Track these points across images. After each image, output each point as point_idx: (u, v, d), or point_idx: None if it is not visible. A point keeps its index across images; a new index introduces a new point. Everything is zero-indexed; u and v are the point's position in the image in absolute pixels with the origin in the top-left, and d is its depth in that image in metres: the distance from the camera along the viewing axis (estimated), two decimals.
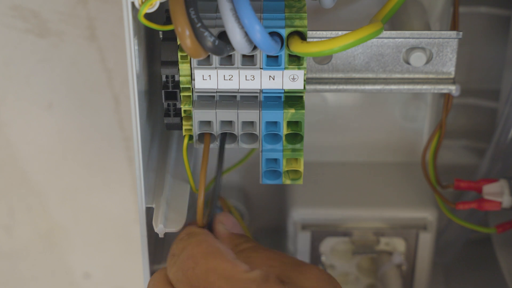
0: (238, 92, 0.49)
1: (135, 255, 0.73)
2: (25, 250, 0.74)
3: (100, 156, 0.69)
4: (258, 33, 0.44)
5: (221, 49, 0.44)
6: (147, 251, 0.52)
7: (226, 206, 0.59)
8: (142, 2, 0.45)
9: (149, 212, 0.52)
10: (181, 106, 0.50)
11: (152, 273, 0.54)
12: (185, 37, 0.43)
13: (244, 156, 0.62)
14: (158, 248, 0.57)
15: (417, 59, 0.53)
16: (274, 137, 0.50)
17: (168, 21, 0.49)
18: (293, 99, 0.50)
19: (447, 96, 0.56)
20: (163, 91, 0.50)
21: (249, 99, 0.49)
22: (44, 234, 0.73)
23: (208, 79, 0.49)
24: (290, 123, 0.50)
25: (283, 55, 0.48)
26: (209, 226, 0.51)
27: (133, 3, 0.45)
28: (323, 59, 0.53)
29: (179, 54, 0.49)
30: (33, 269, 0.75)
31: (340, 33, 0.50)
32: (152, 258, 0.55)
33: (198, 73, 0.49)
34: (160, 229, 0.51)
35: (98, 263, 0.75)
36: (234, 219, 0.53)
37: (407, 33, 0.52)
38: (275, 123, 0.50)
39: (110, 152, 0.69)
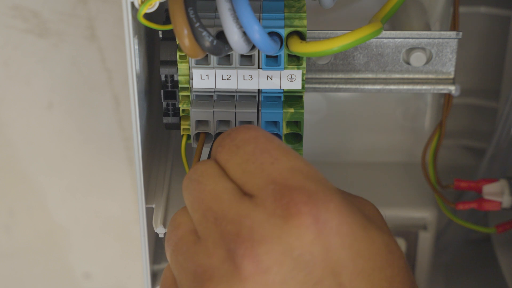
0: (236, 92, 0.49)
1: (135, 255, 0.73)
2: (25, 250, 0.74)
3: (100, 156, 0.69)
4: (257, 33, 0.44)
5: (219, 49, 0.44)
6: (147, 251, 0.52)
7: None
8: (142, 2, 0.45)
9: (149, 212, 0.52)
10: (180, 106, 0.50)
11: (152, 273, 0.54)
12: (183, 36, 0.43)
13: None
14: (158, 248, 0.57)
15: (417, 59, 0.53)
16: None
17: (167, 20, 0.49)
18: (292, 99, 0.50)
19: (447, 96, 0.56)
20: (162, 90, 0.50)
21: (247, 99, 0.49)
22: (44, 234, 0.73)
23: (206, 78, 0.49)
24: (289, 123, 0.50)
25: (283, 55, 0.48)
26: None
27: (132, 3, 0.45)
28: (323, 59, 0.53)
29: (178, 53, 0.49)
30: (33, 269, 0.75)
31: (340, 33, 0.50)
32: (152, 258, 0.55)
33: (196, 73, 0.49)
34: (160, 229, 0.51)
35: (98, 263, 0.75)
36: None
37: (407, 33, 0.52)
38: (274, 123, 0.50)
39: (110, 152, 0.69)
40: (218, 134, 0.50)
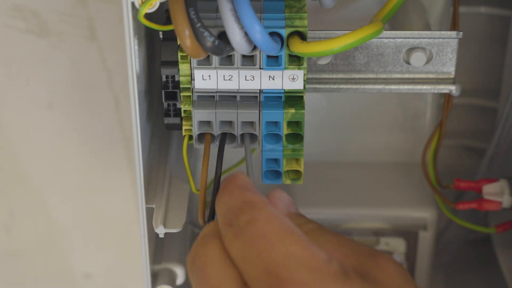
0: (238, 92, 0.49)
1: (135, 255, 0.73)
2: (25, 250, 0.74)
3: (100, 156, 0.69)
4: (258, 33, 0.44)
5: (220, 49, 0.44)
6: (147, 251, 0.52)
7: None
8: (142, 2, 0.45)
9: (149, 212, 0.52)
10: (181, 106, 0.50)
11: (152, 273, 0.54)
12: (185, 37, 0.43)
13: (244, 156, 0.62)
14: (158, 248, 0.57)
15: (417, 59, 0.53)
16: (274, 137, 0.50)
17: (168, 21, 0.49)
18: (293, 99, 0.50)
19: (447, 96, 0.56)
20: (163, 91, 0.50)
21: (249, 99, 0.49)
22: (44, 234, 0.73)
23: (208, 79, 0.49)
24: (290, 123, 0.50)
25: (283, 55, 0.48)
26: None
27: (133, 3, 0.45)
28: (323, 59, 0.53)
29: (179, 54, 0.49)
30: (33, 269, 0.75)
31: (340, 33, 0.50)
32: (152, 258, 0.55)
33: (198, 73, 0.49)
34: (160, 229, 0.51)
35: (98, 263, 0.75)
36: (290, 198, 0.47)
37: (407, 33, 0.52)
38: (275, 123, 0.50)
39: (110, 152, 0.69)
40: (221, 135, 0.50)
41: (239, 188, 0.45)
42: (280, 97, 0.50)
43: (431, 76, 0.54)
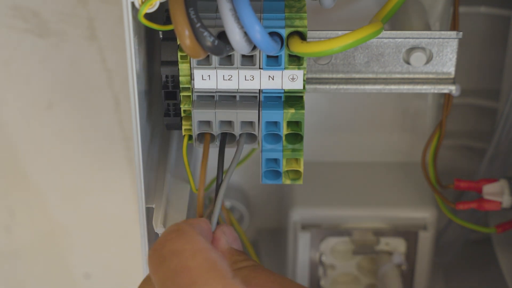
0: (237, 92, 0.49)
1: (135, 255, 0.73)
2: (25, 250, 0.74)
3: (100, 156, 0.69)
4: (258, 33, 0.44)
5: (220, 49, 0.44)
6: (147, 251, 0.52)
7: (224, 210, 0.59)
8: (142, 2, 0.45)
9: (149, 212, 0.52)
10: (181, 106, 0.50)
11: None
12: (185, 37, 0.43)
13: (244, 156, 0.62)
14: None
15: (417, 59, 0.53)
16: (274, 137, 0.50)
17: (168, 21, 0.49)
18: (293, 99, 0.50)
19: (447, 96, 0.56)
20: (163, 91, 0.50)
21: (249, 99, 0.49)
22: (44, 234, 0.73)
23: (208, 79, 0.49)
24: (290, 123, 0.50)
25: (283, 55, 0.48)
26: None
27: (133, 3, 0.45)
28: (323, 59, 0.53)
29: (179, 54, 0.49)
30: (33, 269, 0.75)
31: (340, 33, 0.50)
32: None
33: (198, 73, 0.49)
34: (160, 229, 0.51)
35: (98, 263, 0.75)
36: (236, 234, 0.48)
37: (407, 33, 0.52)
38: (275, 123, 0.50)
39: (110, 152, 0.69)
40: (221, 135, 0.50)
41: (187, 220, 0.45)
42: (280, 97, 0.50)
43: (431, 76, 0.54)
